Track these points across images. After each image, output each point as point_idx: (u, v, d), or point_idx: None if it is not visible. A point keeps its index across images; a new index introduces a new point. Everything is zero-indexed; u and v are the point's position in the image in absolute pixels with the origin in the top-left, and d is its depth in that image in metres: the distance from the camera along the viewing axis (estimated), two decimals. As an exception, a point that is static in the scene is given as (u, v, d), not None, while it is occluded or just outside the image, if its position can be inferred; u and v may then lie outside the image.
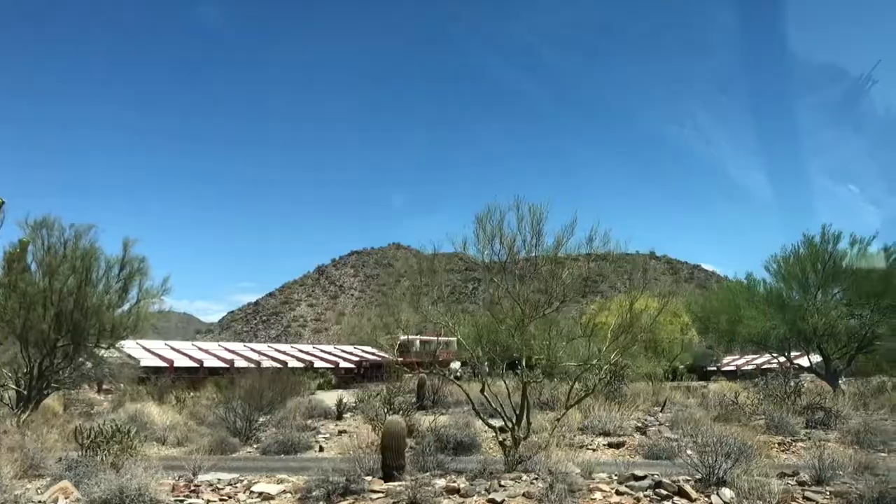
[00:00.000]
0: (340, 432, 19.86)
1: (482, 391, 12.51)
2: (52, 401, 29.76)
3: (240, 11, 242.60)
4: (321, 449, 17.12)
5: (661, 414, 21.03)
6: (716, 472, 10.17)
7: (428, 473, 11.77)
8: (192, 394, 35.44)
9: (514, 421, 12.35)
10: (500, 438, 12.39)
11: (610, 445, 16.85)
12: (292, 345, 69.70)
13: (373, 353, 63.26)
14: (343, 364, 59.49)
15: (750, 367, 56.67)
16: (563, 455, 13.19)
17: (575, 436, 17.71)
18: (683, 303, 40.34)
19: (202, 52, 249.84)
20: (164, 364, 50.08)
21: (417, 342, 49.65)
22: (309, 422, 22.61)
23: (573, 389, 13.56)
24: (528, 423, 12.53)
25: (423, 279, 12.68)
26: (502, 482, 10.88)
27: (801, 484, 10.77)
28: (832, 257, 33.47)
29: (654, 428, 18.55)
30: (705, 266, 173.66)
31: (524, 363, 12.62)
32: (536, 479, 11.03)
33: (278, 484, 11.14)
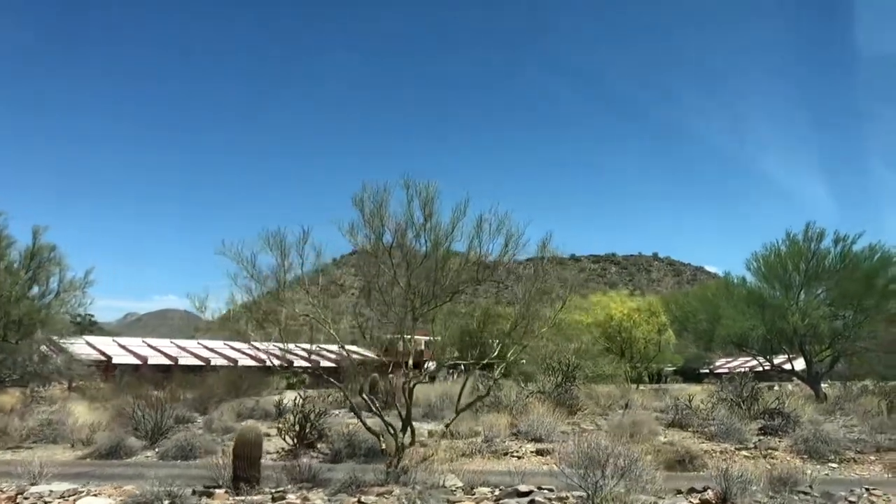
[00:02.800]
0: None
1: (360, 392, 11.14)
2: (11, 397, 28.67)
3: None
4: (224, 453, 15.77)
5: (606, 418, 19.59)
6: (599, 489, 8.77)
7: (291, 485, 10.46)
8: (154, 392, 34.12)
9: (395, 428, 10.96)
10: (382, 446, 11.02)
11: (538, 453, 15.49)
12: (273, 343, 68.48)
13: (357, 353, 62.05)
14: (324, 363, 58.24)
15: (744, 369, 55.04)
16: (449, 466, 11.81)
17: (504, 441, 16.35)
18: (661, 301, 38.79)
19: (202, 43, 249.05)
20: (137, 361, 49.03)
21: (401, 342, 48.49)
22: (238, 423, 21.29)
23: (463, 392, 12.16)
24: (412, 430, 11.14)
25: (285, 262, 11.28)
26: (364, 498, 9.54)
27: (704, 502, 9.38)
28: (815, 256, 32.00)
29: (591, 434, 17.10)
30: (709, 268, 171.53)
31: (411, 362, 11.26)
32: (410, 493, 9.69)
33: (108, 498, 9.83)
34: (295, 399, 17.04)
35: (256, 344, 12.04)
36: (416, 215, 11.28)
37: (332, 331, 11.03)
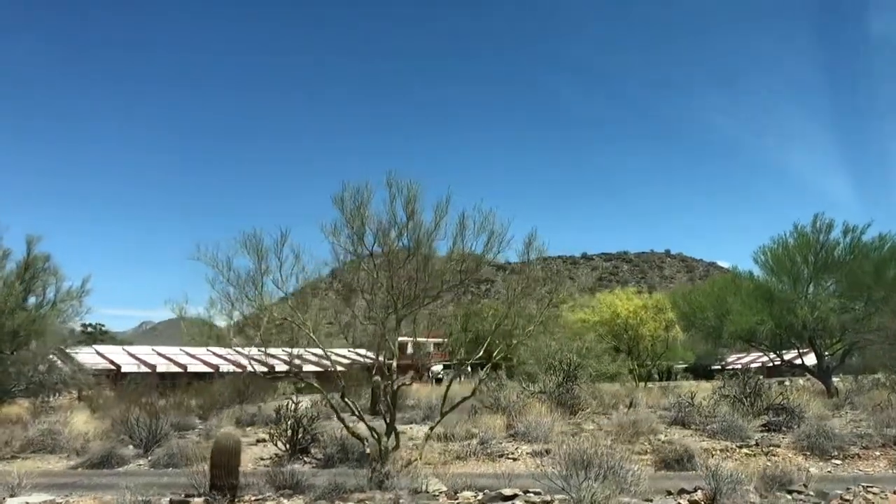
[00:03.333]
0: (258, 441, 18.36)
1: (342, 396, 10.91)
2: (19, 408, 28.73)
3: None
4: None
5: (609, 418, 19.26)
6: (583, 492, 8.48)
7: (272, 493, 10.25)
8: (156, 399, 34.05)
9: (377, 432, 10.72)
10: (367, 450, 10.79)
11: (534, 454, 15.17)
12: (283, 349, 68.63)
13: (366, 356, 61.81)
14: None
15: (757, 364, 54.39)
16: (434, 470, 11.53)
17: (500, 443, 16.07)
18: (668, 298, 38.30)
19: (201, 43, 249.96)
20: (147, 370, 49.13)
21: (410, 344, 48.28)
22: (238, 430, 21.13)
23: (448, 394, 11.91)
24: (397, 434, 10.90)
25: (261, 265, 11.07)
26: (344, 504, 9.32)
27: (692, 503, 9.08)
28: (824, 247, 31.47)
29: (590, 434, 16.81)
30: (722, 263, 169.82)
31: (395, 364, 11.02)
32: (392, 498, 9.46)
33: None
34: (287, 404, 16.83)
35: (239, 349, 11.78)
36: (399, 214, 11.06)
37: (311, 334, 10.81)
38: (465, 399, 12.75)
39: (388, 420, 10.86)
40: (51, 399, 32.18)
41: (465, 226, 10.61)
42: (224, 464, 9.81)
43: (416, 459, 11.05)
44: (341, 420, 11.45)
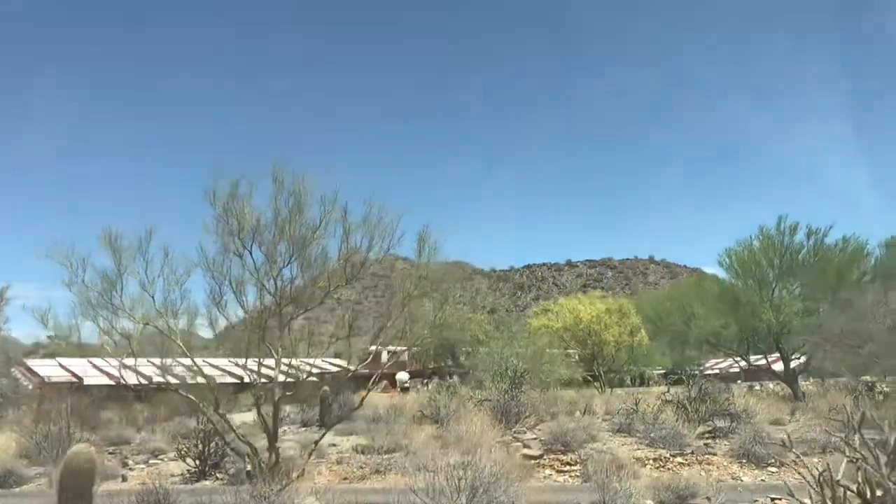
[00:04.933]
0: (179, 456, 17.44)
1: (216, 408, 10.05)
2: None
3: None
4: (124, 479, 14.72)
5: (551, 426, 18.44)
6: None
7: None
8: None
9: (254, 448, 9.86)
10: (248, 468, 9.93)
11: (461, 466, 14.31)
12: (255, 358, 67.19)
13: (338, 366, 60.51)
14: (302, 378, 56.79)
15: (734, 369, 53.71)
16: (312, 485, 10.65)
17: (428, 455, 15.19)
18: (633, 302, 37.58)
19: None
20: (111, 382, 47.86)
21: (385, 353, 47.32)
22: (169, 446, 20.18)
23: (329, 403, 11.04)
24: (277, 450, 10.04)
25: (120, 265, 10.18)
26: (203, 526, 8.46)
27: (579, 521, 8.29)
28: (789, 250, 30.89)
29: (520, 443, 16.03)
30: (706, 269, 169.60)
31: (278, 372, 10.18)
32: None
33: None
34: (198, 418, 15.88)
35: (111, 360, 10.90)
36: (283, 210, 10.25)
37: (179, 342, 9.95)
38: (352, 409, 11.96)
39: (268, 435, 10.01)
40: (9, 413, 31.19)
41: (350, 221, 9.83)
42: (75, 488, 8.89)
43: (295, 478, 10.17)
44: (220, 435, 10.60)
